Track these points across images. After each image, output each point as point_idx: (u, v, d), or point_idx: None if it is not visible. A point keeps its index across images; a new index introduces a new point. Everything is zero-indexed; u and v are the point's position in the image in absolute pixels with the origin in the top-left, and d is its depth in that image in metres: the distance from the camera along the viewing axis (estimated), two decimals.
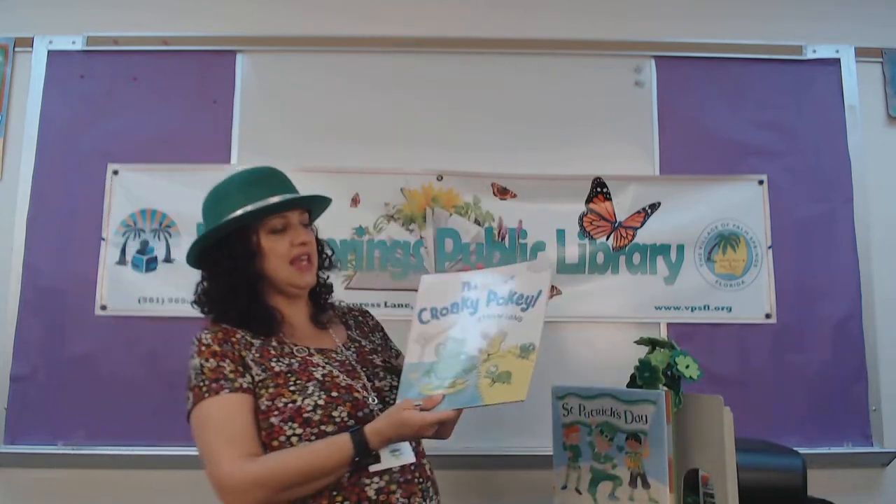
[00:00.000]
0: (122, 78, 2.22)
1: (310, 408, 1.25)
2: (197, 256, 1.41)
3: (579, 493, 1.44)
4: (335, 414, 1.26)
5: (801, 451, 1.72)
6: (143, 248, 2.14)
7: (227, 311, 1.35)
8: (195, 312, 2.08)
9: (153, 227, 2.15)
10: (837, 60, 2.29)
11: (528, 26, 2.29)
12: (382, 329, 1.59)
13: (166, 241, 2.15)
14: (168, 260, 2.14)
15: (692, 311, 2.17)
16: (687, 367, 1.38)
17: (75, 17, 2.25)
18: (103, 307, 2.11)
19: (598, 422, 1.43)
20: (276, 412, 1.25)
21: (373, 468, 1.24)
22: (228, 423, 1.24)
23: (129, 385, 2.07)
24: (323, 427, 1.25)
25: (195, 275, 2.10)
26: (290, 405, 1.25)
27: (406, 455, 1.27)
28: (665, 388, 1.39)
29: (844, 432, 2.13)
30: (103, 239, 2.14)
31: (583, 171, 2.22)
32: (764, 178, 2.23)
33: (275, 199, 1.36)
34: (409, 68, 2.25)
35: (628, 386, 1.46)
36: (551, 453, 1.52)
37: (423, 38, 2.26)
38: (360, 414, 1.28)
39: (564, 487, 1.48)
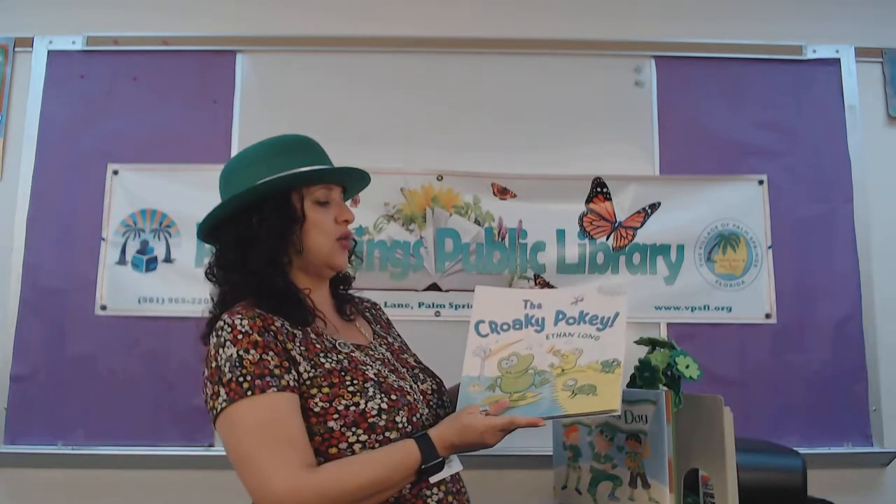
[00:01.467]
0: (122, 78, 2.22)
1: (374, 412, 1.13)
2: (213, 225, 1.25)
3: (579, 493, 1.44)
4: (398, 419, 1.14)
5: (801, 451, 1.72)
6: (143, 248, 2.14)
7: (259, 283, 1.19)
8: (195, 312, 2.08)
9: (153, 227, 2.15)
10: (837, 60, 2.29)
11: (528, 26, 2.29)
12: (392, 325, 1.51)
13: (166, 241, 2.15)
14: (168, 260, 2.14)
15: (692, 311, 2.17)
16: (687, 367, 1.38)
17: (75, 17, 2.25)
18: (103, 307, 2.11)
19: (598, 422, 1.43)
20: (335, 415, 1.11)
21: (434, 478, 1.13)
22: (279, 427, 1.07)
23: (129, 385, 2.07)
24: (387, 434, 1.13)
25: (195, 275, 2.13)
26: (352, 408, 1.12)
27: (456, 463, 1.18)
28: (665, 388, 1.38)
29: (844, 432, 2.13)
30: (103, 239, 2.14)
31: (583, 171, 2.22)
32: (764, 178, 2.23)
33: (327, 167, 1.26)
34: (409, 68, 2.25)
35: (628, 386, 1.45)
36: (551, 453, 1.52)
37: (423, 38, 2.26)
38: (414, 418, 1.18)
39: (564, 487, 1.48)
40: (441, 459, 1.12)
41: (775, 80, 2.28)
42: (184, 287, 2.12)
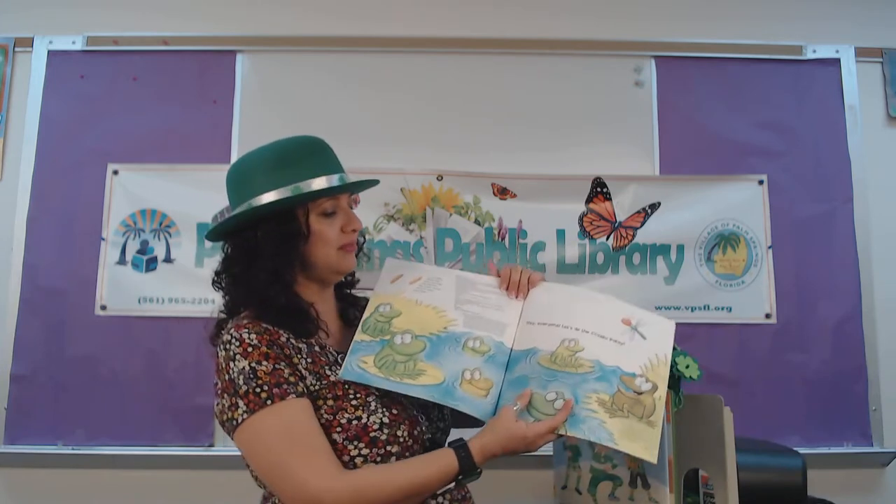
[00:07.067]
0: (122, 78, 2.22)
1: (376, 426, 1.13)
2: (220, 234, 1.24)
3: (579, 493, 1.44)
4: (399, 433, 1.14)
5: (801, 451, 1.73)
6: (143, 248, 2.14)
7: (261, 301, 1.18)
8: (195, 312, 2.12)
9: (153, 227, 2.15)
10: (837, 60, 2.29)
11: (528, 26, 2.29)
12: None
13: (166, 241, 2.15)
14: (168, 260, 2.14)
15: (692, 311, 2.17)
16: (687, 367, 1.38)
17: (75, 17, 2.25)
18: (103, 307, 2.11)
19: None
20: (338, 428, 1.12)
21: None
22: (304, 431, 1.08)
23: (129, 385, 2.07)
24: (389, 448, 1.13)
25: (195, 275, 2.13)
26: (354, 422, 1.12)
27: None
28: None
29: (844, 432, 2.13)
30: (103, 239, 2.14)
31: (583, 171, 2.22)
32: (764, 178, 2.23)
33: (335, 181, 1.21)
34: (410, 68, 2.25)
35: None
36: (551, 453, 1.52)
37: (423, 37, 2.25)
38: (416, 432, 1.18)
39: (564, 487, 1.48)
40: (479, 469, 1.12)
41: (775, 80, 2.28)
42: (184, 287, 2.12)
